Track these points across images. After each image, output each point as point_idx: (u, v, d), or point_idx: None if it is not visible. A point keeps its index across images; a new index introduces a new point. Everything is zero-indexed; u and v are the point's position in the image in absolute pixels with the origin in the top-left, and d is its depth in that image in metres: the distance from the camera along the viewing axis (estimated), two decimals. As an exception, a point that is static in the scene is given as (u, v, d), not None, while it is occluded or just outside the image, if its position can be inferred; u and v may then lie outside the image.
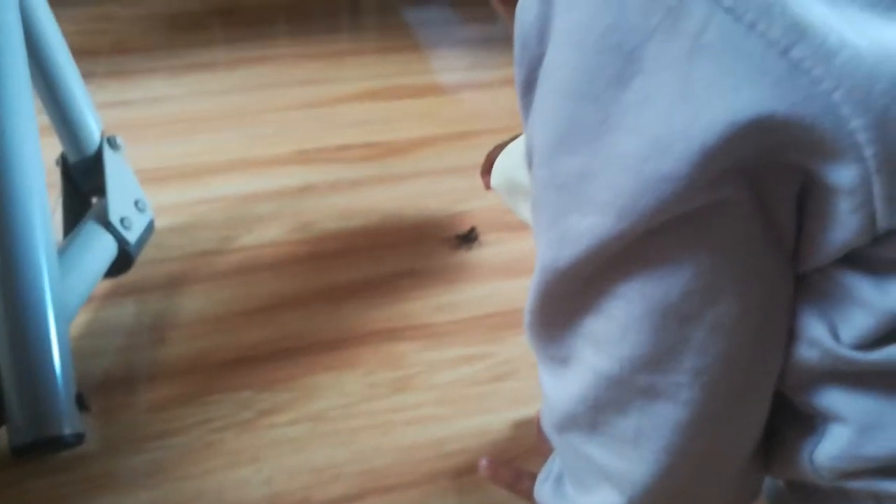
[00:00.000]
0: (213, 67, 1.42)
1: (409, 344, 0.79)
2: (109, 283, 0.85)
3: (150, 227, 0.89)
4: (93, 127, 0.85)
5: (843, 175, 0.29)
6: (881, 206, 0.29)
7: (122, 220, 0.83)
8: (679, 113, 0.29)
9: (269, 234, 0.94)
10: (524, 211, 0.68)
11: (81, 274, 0.77)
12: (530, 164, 0.38)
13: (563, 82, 0.32)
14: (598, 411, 0.38)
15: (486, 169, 0.87)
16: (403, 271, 0.89)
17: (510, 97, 1.35)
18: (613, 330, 0.36)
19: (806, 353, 0.35)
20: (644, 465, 0.37)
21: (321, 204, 1.00)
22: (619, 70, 0.30)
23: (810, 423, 0.37)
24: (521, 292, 0.85)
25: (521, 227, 0.96)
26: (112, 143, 0.86)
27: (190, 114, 1.23)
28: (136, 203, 0.88)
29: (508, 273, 0.89)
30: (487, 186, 0.87)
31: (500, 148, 0.86)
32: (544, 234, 0.36)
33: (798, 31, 0.27)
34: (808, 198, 0.31)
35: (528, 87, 0.35)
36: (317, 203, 1.01)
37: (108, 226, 0.81)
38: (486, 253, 0.92)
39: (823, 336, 0.34)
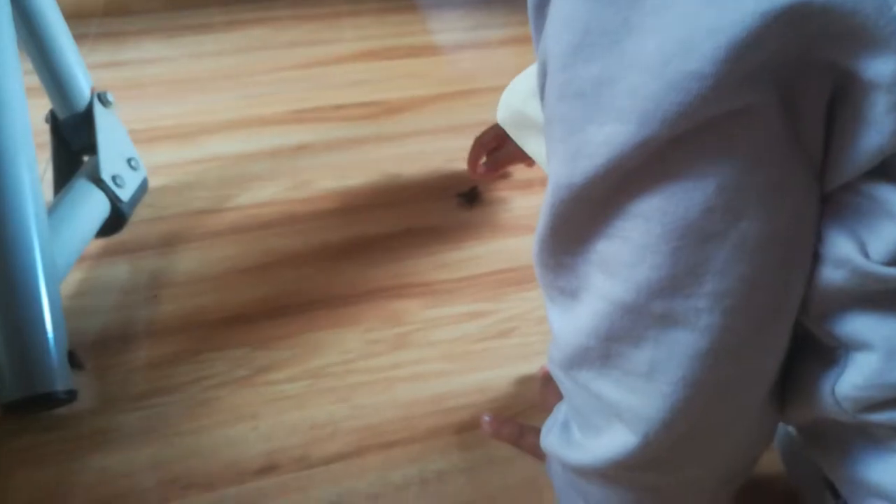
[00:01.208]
0: (209, 29, 1.39)
1: (410, 301, 0.78)
2: (102, 242, 0.83)
3: (143, 186, 0.87)
4: (83, 83, 0.82)
5: (883, 68, 0.27)
6: None
7: (114, 178, 0.81)
8: (706, 8, 0.27)
9: (265, 193, 0.92)
10: (533, 146, 0.65)
11: (72, 231, 0.75)
12: (542, 91, 0.36)
13: None
14: (610, 343, 0.36)
15: (477, 154, 0.85)
16: (403, 230, 0.87)
17: (509, 56, 1.33)
18: (629, 253, 0.34)
19: (832, 275, 0.33)
20: (659, 400, 0.36)
21: (318, 163, 0.98)
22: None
23: (832, 354, 0.36)
24: (524, 250, 0.84)
25: (524, 184, 0.94)
26: (103, 99, 0.84)
27: (184, 74, 1.20)
28: (128, 161, 0.85)
29: (511, 231, 0.87)
30: (482, 173, 0.85)
31: (490, 132, 0.84)
32: (559, 149, 0.34)
33: None
34: (840, 102, 0.29)
35: (541, 4, 0.34)
36: (313, 162, 0.98)
37: (99, 183, 0.79)
38: (487, 211, 0.90)
39: (852, 254, 0.32)
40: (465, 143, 1.01)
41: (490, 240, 0.86)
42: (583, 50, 0.31)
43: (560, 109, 0.33)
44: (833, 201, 0.33)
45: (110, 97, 0.85)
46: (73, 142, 0.83)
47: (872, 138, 0.29)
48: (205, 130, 1.04)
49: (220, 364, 0.70)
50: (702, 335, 0.34)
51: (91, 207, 0.78)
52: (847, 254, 0.32)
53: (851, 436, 0.38)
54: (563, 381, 0.43)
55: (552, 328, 0.41)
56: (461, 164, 0.98)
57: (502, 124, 0.70)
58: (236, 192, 0.92)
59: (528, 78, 0.67)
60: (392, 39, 1.34)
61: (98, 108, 0.83)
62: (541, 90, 0.36)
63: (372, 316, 0.76)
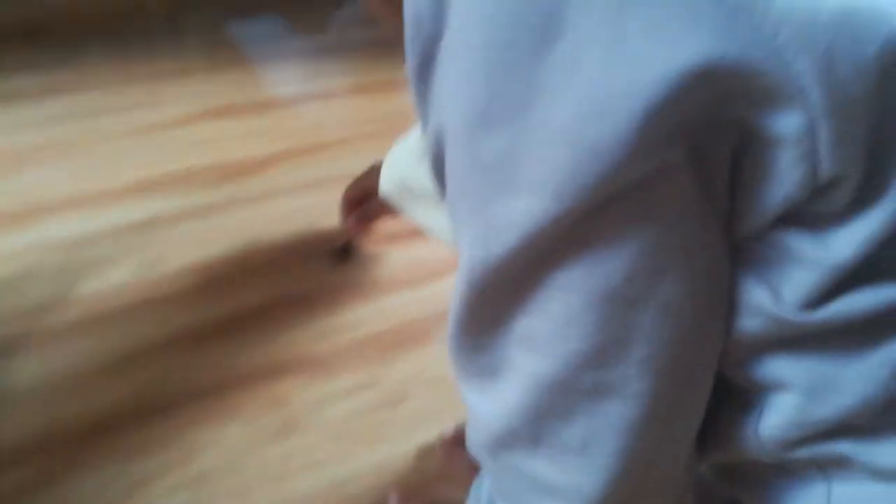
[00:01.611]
0: (24, 97, 1.28)
1: (290, 381, 0.73)
2: (-74, 356, 0.73)
3: (-30, 286, 0.78)
4: None
5: (787, 123, 0.27)
6: (826, 153, 0.27)
7: (-67, 283, 0.71)
8: (615, 70, 0.26)
9: (113, 277, 0.84)
10: (422, 216, 0.63)
11: None
12: (435, 162, 0.34)
13: (476, 56, 0.28)
14: (540, 421, 0.34)
15: (347, 209, 0.81)
16: (272, 301, 0.82)
17: (353, 105, 1.31)
18: (552, 326, 0.32)
19: (748, 323, 0.33)
20: (596, 473, 0.34)
21: (170, 236, 0.91)
22: (539, 33, 0.27)
23: (750, 397, 0.36)
24: (403, 307, 0.81)
25: (392, 237, 0.92)
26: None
27: (4, 150, 1.09)
28: (-51, 260, 0.76)
29: (386, 288, 0.84)
30: (353, 228, 0.80)
31: (356, 185, 0.81)
32: (468, 226, 0.32)
33: None
34: (746, 156, 0.29)
35: (424, 70, 0.31)
36: (164, 236, 0.91)
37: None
38: (359, 269, 0.87)
39: (765, 301, 0.32)
40: (322, 200, 0.97)
41: (366, 301, 0.82)
42: (486, 120, 0.29)
43: (466, 184, 0.31)
44: (744, 251, 0.32)
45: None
46: None
47: (778, 189, 0.29)
48: (37, 212, 0.94)
49: (89, 486, 0.62)
50: (633, 402, 0.33)
51: None
52: (761, 302, 0.32)
53: (769, 471, 0.38)
54: (487, 462, 0.40)
55: (470, 409, 0.39)
56: (323, 222, 0.94)
57: (387, 197, 0.67)
58: (79, 280, 0.83)
59: (404, 148, 0.64)
60: (228, 96, 1.28)
61: None
62: (433, 161, 0.34)
63: (252, 403, 0.70)
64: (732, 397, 0.37)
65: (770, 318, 0.32)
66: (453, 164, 0.31)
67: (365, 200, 0.80)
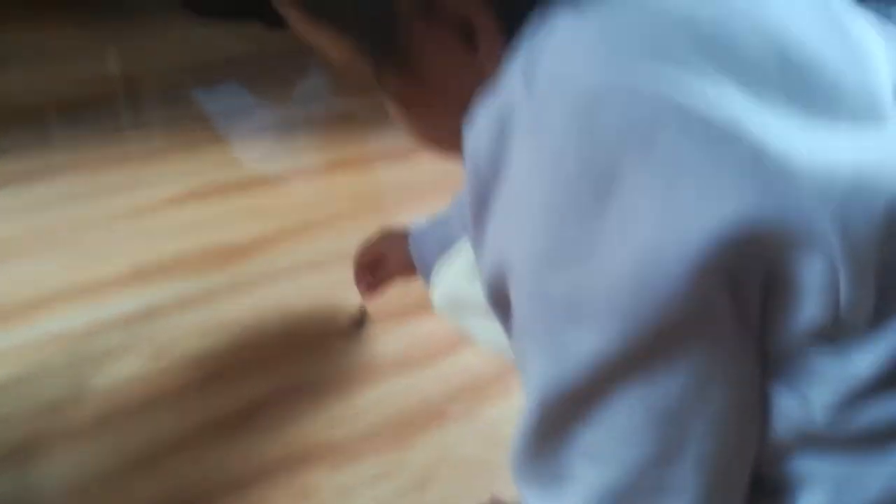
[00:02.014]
0: (6, 181, 1.27)
1: (314, 470, 0.73)
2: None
3: (-16, 388, 0.77)
4: None
5: (812, 266, 0.31)
6: (845, 288, 0.32)
7: (-48, 387, 0.71)
8: (669, 223, 0.30)
9: (125, 369, 0.84)
10: (475, 327, 0.66)
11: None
12: (491, 287, 0.37)
13: (540, 204, 0.33)
14: None
15: (360, 275, 0.83)
16: (286, 386, 0.83)
17: (339, 182, 1.34)
18: (614, 439, 0.35)
19: (781, 427, 0.37)
20: None
21: (174, 325, 0.92)
22: (598, 186, 0.31)
23: (780, 492, 0.39)
24: (417, 386, 0.83)
25: (400, 312, 0.93)
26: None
27: (-8, 240, 1.09)
28: (-37, 362, 0.75)
29: (400, 367, 0.86)
30: (367, 293, 0.83)
31: (367, 251, 0.84)
32: (538, 354, 0.35)
33: (761, 146, 0.30)
34: (776, 289, 0.33)
35: (482, 206, 0.36)
36: (169, 325, 0.92)
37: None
38: (371, 348, 0.89)
39: (795, 409, 0.36)
40: (320, 280, 1.00)
41: (381, 381, 0.84)
42: (552, 261, 0.33)
43: (534, 315, 0.35)
44: (776, 364, 0.36)
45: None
46: None
47: (804, 316, 0.33)
48: (35, 304, 0.94)
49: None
50: (687, 498, 0.36)
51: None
52: (791, 410, 0.36)
53: None
54: None
55: None
56: (328, 300, 0.96)
57: (440, 312, 0.70)
58: (91, 374, 0.83)
59: (454, 267, 0.68)
60: (215, 175, 1.30)
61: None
62: (490, 289, 0.38)
63: (277, 495, 0.71)
64: (764, 492, 0.40)
65: (800, 424, 0.36)
66: (520, 297, 0.35)
67: (376, 266, 0.83)
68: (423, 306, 0.93)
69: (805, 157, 0.30)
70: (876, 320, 0.33)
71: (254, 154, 1.40)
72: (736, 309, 0.33)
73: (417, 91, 0.41)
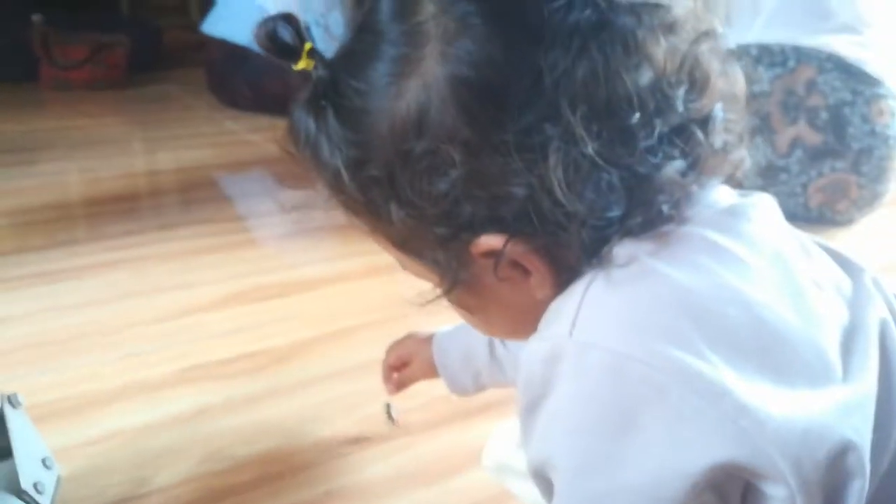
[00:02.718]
0: (58, 277, 1.37)
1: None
2: (17, 554, 0.79)
3: (58, 483, 0.85)
4: (-10, 384, 0.81)
5: (777, 490, 0.43)
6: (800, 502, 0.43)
7: (35, 486, 0.78)
8: (671, 458, 0.42)
9: (180, 469, 0.92)
10: (515, 487, 0.78)
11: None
12: (535, 470, 0.48)
13: (577, 428, 0.45)
14: None
15: (387, 376, 0.95)
16: (322, 495, 0.90)
17: (374, 289, 1.43)
18: None
19: None
20: None
21: (221, 428, 1.00)
22: (622, 422, 0.43)
23: None
24: (440, 498, 0.89)
25: (423, 427, 1.02)
26: (13, 401, 0.82)
27: (48, 335, 1.18)
28: (43, 461, 0.83)
29: (422, 480, 0.93)
30: (393, 389, 0.94)
31: (395, 352, 0.95)
32: None
33: (741, 407, 0.42)
34: (753, 498, 0.45)
35: (531, 410, 0.48)
36: (216, 428, 1.00)
37: (21, 495, 0.77)
38: (396, 461, 0.96)
39: None
40: (350, 389, 1.08)
41: (408, 492, 0.91)
42: (586, 471, 0.44)
43: (573, 501, 0.46)
44: None
45: (20, 398, 0.83)
46: (-15, 450, 0.80)
47: None
48: (93, 402, 1.02)
49: None
50: None
51: (16, 522, 0.75)
52: None
53: None
54: None
55: None
56: (357, 413, 1.04)
57: (487, 470, 0.84)
58: (147, 473, 0.91)
59: (502, 437, 0.83)
60: (255, 278, 1.40)
61: (8, 411, 0.81)
62: (534, 471, 0.48)
63: None
64: None
65: None
66: (561, 487, 0.46)
67: (402, 366, 0.95)
68: (455, 419, 1.02)
69: (772, 415, 0.42)
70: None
71: (290, 257, 1.50)
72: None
73: (479, 303, 0.52)
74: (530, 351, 0.47)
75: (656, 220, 0.46)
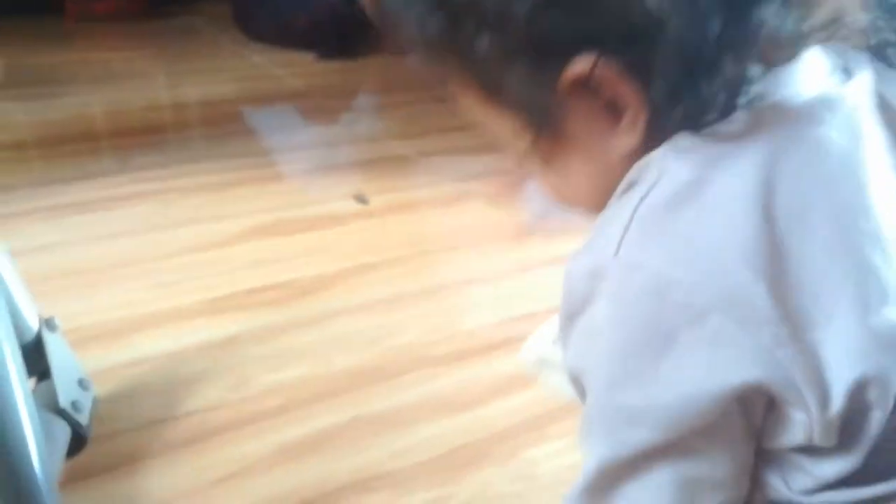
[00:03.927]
0: (91, 207, 1.40)
1: (374, 496, 0.84)
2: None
3: (95, 403, 0.88)
4: (30, 311, 0.84)
5: (798, 415, 0.45)
6: (816, 430, 0.45)
7: (73, 404, 0.82)
8: (705, 376, 0.44)
9: (210, 395, 0.95)
10: (552, 380, 0.83)
11: (46, 469, 0.75)
12: (572, 377, 0.50)
13: (613, 345, 0.46)
14: None
15: None
16: (350, 419, 0.94)
17: (396, 226, 1.45)
18: (650, 495, 0.47)
19: (769, 496, 0.50)
20: None
21: (249, 357, 1.03)
22: (660, 341, 0.44)
23: None
24: (465, 427, 0.92)
25: (456, 357, 1.04)
26: (50, 324, 0.85)
27: (84, 263, 1.21)
28: (80, 382, 0.86)
29: (450, 408, 0.96)
30: None
31: None
32: (600, 436, 0.49)
33: (781, 339, 0.42)
34: (774, 419, 0.46)
35: (570, 320, 0.49)
36: (244, 356, 1.03)
37: (60, 412, 0.80)
38: (425, 389, 0.99)
39: (781, 486, 0.49)
40: (374, 322, 1.11)
41: (433, 420, 0.94)
42: (621, 384, 0.46)
43: (602, 414, 0.48)
44: (769, 455, 0.49)
45: (57, 322, 0.86)
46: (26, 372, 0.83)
47: (789, 438, 0.46)
48: (128, 328, 1.06)
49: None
50: None
51: (56, 439, 0.79)
52: (778, 485, 0.49)
53: None
54: None
55: None
56: (382, 345, 1.07)
57: (525, 363, 0.86)
58: (180, 397, 0.95)
59: (546, 331, 0.84)
60: (281, 212, 1.42)
61: (46, 335, 0.84)
62: (571, 377, 0.50)
63: (347, 515, 0.82)
64: None
65: (782, 496, 0.49)
66: (591, 399, 0.48)
67: None
68: (478, 353, 1.05)
69: (810, 348, 0.43)
70: (838, 448, 0.46)
71: (316, 193, 1.51)
72: (745, 422, 0.46)
73: (561, 154, 0.50)
74: (575, 264, 0.47)
75: (738, 86, 0.44)
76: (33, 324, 0.83)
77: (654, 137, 0.45)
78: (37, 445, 0.67)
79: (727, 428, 0.45)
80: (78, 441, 0.82)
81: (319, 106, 2.06)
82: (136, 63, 2.34)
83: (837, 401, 0.43)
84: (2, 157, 1.61)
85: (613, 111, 0.45)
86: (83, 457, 0.84)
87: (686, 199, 0.44)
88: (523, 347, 0.84)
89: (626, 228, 0.44)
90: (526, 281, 1.24)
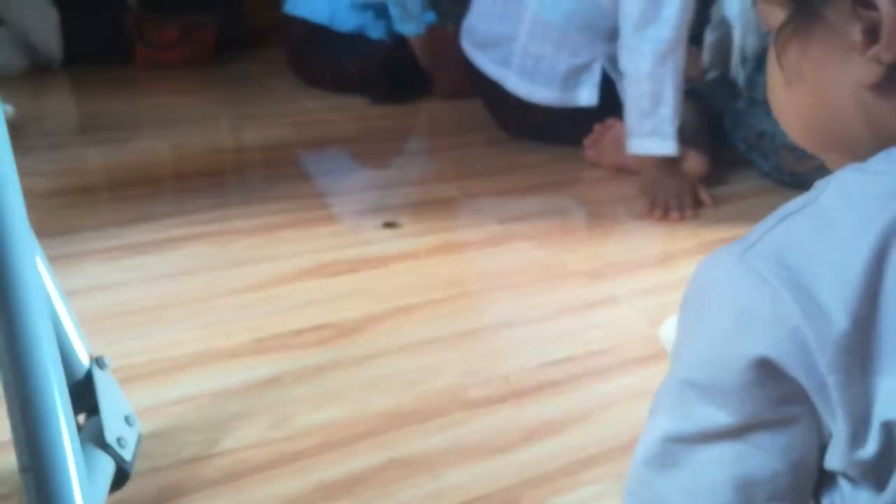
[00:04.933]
0: (148, 249, 1.46)
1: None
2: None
3: (139, 440, 0.92)
4: (81, 348, 0.88)
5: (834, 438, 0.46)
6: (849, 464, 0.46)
7: (118, 440, 0.85)
8: (734, 343, 0.47)
9: (249, 433, 0.98)
10: None
11: (87, 501, 0.78)
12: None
13: (705, 327, 0.50)
14: None
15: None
16: (385, 461, 0.95)
17: (438, 268, 1.47)
18: (703, 485, 0.49)
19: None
20: None
21: (291, 396, 1.06)
22: (696, 307, 0.50)
23: None
24: (498, 471, 0.93)
25: (478, 403, 1.05)
26: (100, 363, 0.89)
27: (139, 303, 1.26)
28: (126, 419, 0.90)
29: (484, 452, 0.97)
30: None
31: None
32: (669, 411, 0.51)
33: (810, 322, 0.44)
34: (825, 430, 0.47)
35: (683, 304, 0.52)
36: (286, 395, 1.06)
37: (105, 448, 0.84)
38: (453, 436, 1.00)
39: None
40: (413, 364, 1.12)
41: (465, 465, 0.95)
42: (696, 363, 0.50)
43: (679, 387, 0.50)
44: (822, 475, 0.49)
45: (106, 360, 0.90)
46: (75, 408, 0.87)
47: (830, 457, 0.47)
48: (177, 366, 1.10)
49: None
50: None
51: (101, 474, 0.82)
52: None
53: None
54: None
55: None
56: (419, 387, 1.08)
57: (662, 342, 0.96)
58: (221, 435, 0.98)
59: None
60: (329, 253, 1.46)
61: (96, 372, 0.88)
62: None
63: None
64: None
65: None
66: (672, 372, 0.51)
67: None
68: (512, 397, 1.05)
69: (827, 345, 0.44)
70: (873, 483, 0.46)
71: (364, 235, 1.55)
72: (806, 428, 0.47)
73: (798, 70, 0.50)
74: (717, 252, 0.49)
75: None
76: (84, 361, 0.88)
77: (890, 96, 0.46)
78: (79, 478, 0.71)
79: (787, 427, 0.47)
80: (121, 476, 0.85)
81: (371, 149, 2.11)
82: (199, 109, 2.44)
83: (871, 444, 0.43)
84: (72, 201, 1.69)
85: (868, 37, 0.44)
86: (126, 491, 0.87)
87: (821, 230, 0.45)
88: (666, 322, 0.89)
89: (765, 235, 0.47)
90: (565, 324, 1.24)
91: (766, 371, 0.45)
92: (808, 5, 0.47)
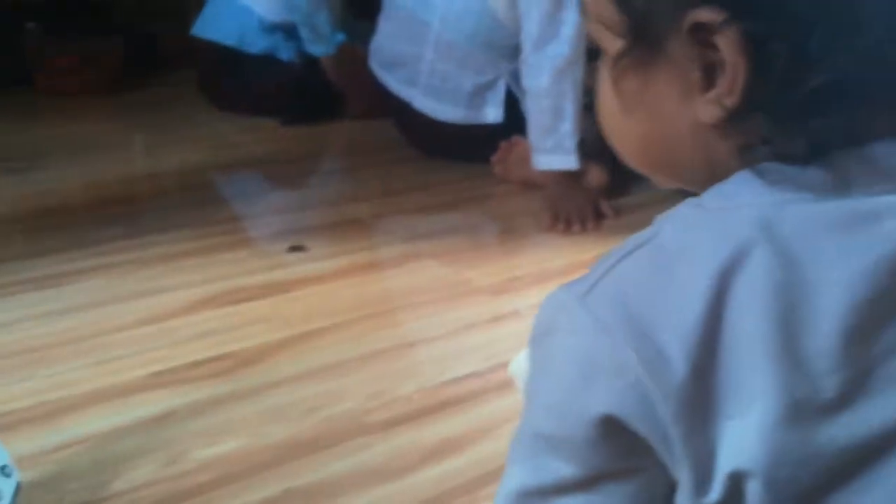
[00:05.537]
0: (39, 284, 1.41)
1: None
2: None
3: (17, 490, 0.88)
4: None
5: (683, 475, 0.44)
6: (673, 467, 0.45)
7: (-9, 492, 0.81)
8: (575, 397, 0.46)
9: (141, 474, 0.94)
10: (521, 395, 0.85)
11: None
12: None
13: (551, 375, 0.49)
14: None
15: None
16: (282, 493, 0.93)
17: (345, 290, 1.46)
18: None
19: None
20: None
21: (185, 431, 1.02)
22: (542, 359, 0.48)
23: None
24: (391, 496, 0.91)
25: (388, 425, 1.04)
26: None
27: (27, 343, 1.21)
28: (2, 469, 0.86)
29: (378, 477, 0.95)
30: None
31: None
32: (525, 462, 0.50)
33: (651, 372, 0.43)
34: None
35: (531, 344, 0.51)
36: (181, 430, 1.03)
37: (-23, 501, 0.80)
38: (355, 459, 0.98)
39: None
40: (314, 391, 1.10)
41: (363, 490, 0.93)
42: (545, 413, 0.49)
43: (529, 438, 0.50)
44: None
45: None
46: (-56, 459, 0.83)
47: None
48: (65, 408, 1.05)
49: None
50: None
51: (-29, 529, 0.78)
52: None
53: None
54: None
55: None
56: (319, 414, 1.06)
57: (512, 375, 0.89)
58: (110, 477, 0.94)
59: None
60: (230, 281, 1.43)
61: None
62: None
63: None
64: None
65: None
66: (524, 421, 0.51)
67: None
68: (412, 418, 1.04)
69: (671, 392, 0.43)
70: None
71: (266, 259, 1.52)
72: (654, 479, 0.46)
73: (637, 98, 0.48)
74: (559, 289, 0.48)
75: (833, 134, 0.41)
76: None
77: (726, 136, 0.45)
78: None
79: (635, 476, 0.46)
80: (-3, 529, 0.81)
81: (282, 172, 2.09)
82: (105, 136, 2.37)
83: (715, 492, 0.42)
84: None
85: (709, 76, 0.43)
86: (3, 545, 0.83)
87: (661, 271, 0.44)
88: (516, 359, 0.85)
89: (605, 275, 0.45)
90: (469, 341, 1.24)
91: (611, 428, 0.44)
92: (649, 38, 0.45)
